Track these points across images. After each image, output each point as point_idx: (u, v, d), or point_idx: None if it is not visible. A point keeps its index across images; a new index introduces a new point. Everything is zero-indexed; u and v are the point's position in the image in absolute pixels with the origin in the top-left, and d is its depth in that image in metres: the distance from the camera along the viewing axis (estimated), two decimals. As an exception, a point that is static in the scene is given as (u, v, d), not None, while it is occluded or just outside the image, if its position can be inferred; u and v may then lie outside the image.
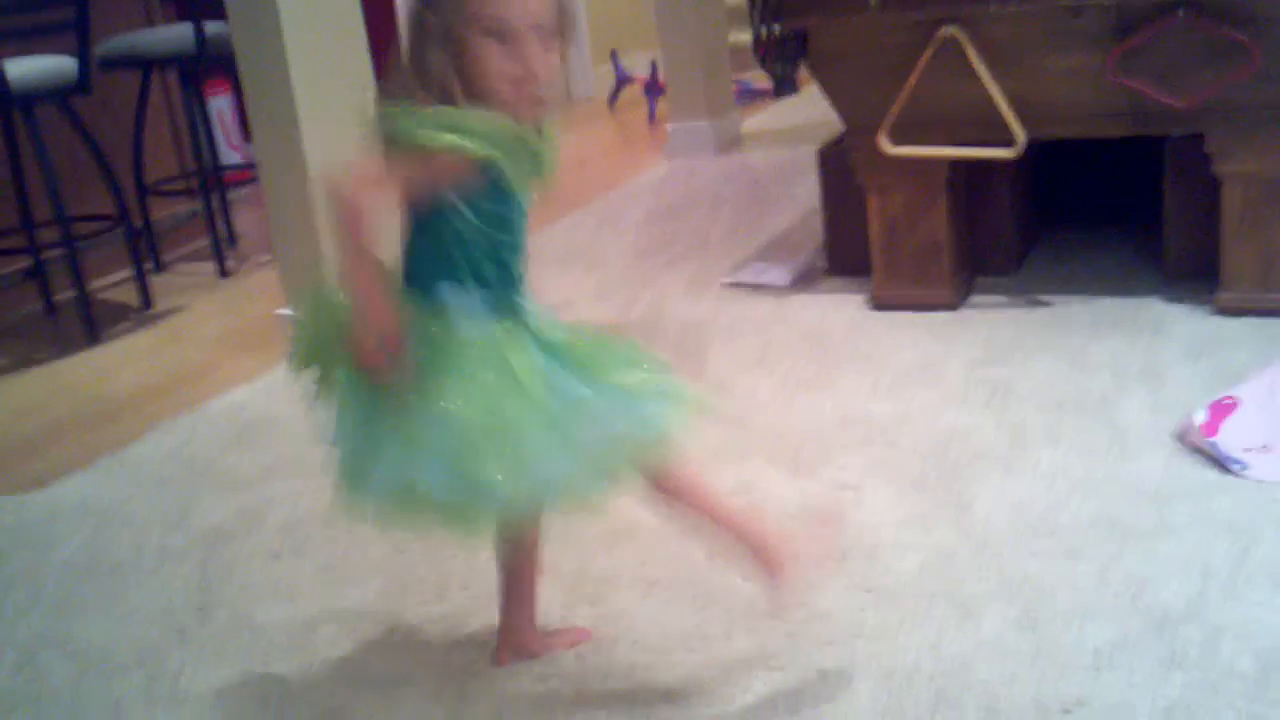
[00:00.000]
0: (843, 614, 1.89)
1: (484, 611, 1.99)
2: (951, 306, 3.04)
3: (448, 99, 1.52)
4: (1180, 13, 2.57)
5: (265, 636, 2.05)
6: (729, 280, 3.45)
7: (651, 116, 6.15)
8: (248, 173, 4.70)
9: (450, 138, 1.49)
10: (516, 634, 1.87)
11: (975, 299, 3.09)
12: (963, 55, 2.75)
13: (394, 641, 1.99)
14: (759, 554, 1.67)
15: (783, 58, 3.03)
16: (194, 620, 2.13)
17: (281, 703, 1.87)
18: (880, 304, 3.10)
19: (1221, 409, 2.26)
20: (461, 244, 1.58)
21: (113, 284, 4.12)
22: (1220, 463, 2.17)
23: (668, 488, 1.67)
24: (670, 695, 1.74)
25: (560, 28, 1.55)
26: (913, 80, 2.82)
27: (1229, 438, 2.19)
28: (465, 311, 1.57)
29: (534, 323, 1.60)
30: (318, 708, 1.84)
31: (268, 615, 2.11)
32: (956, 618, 1.84)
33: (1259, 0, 2.53)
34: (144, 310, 3.91)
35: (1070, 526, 2.05)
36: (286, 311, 3.27)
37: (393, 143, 1.52)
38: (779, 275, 3.39)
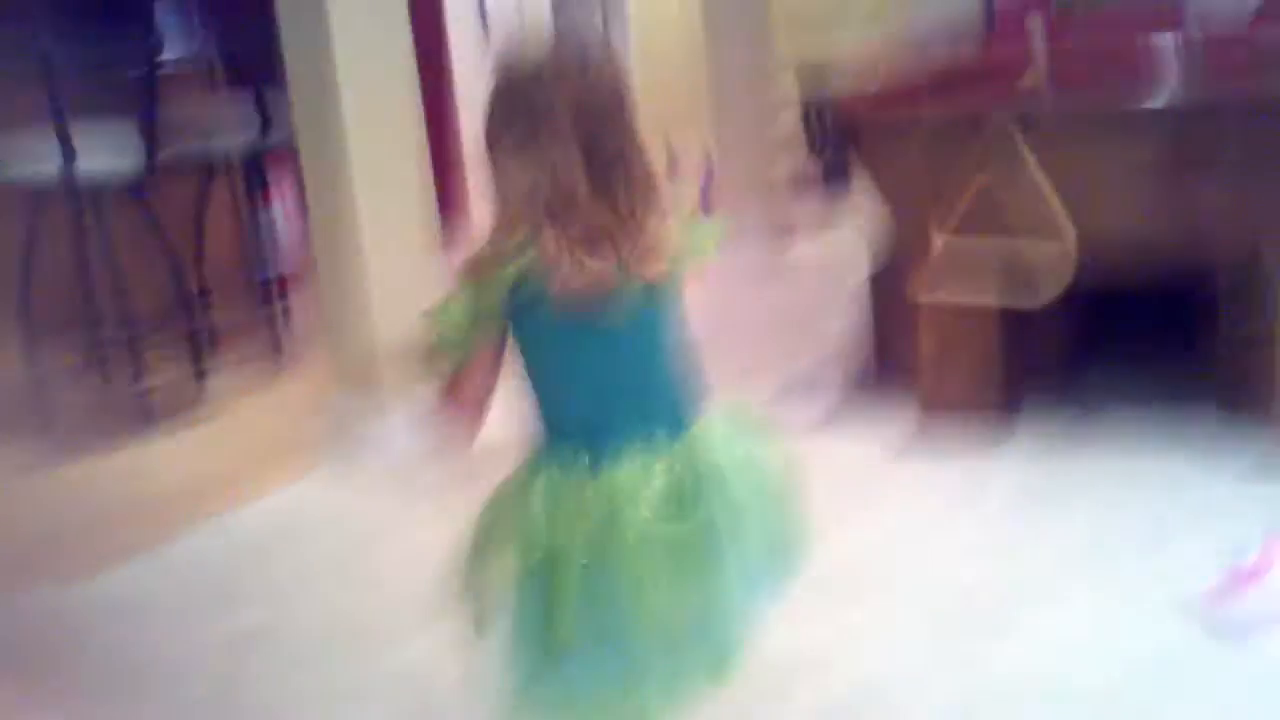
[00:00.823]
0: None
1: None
2: (1001, 416, 3.06)
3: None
4: (1234, 125, 2.57)
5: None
6: (769, 399, 3.48)
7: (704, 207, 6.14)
8: (306, 276, 4.81)
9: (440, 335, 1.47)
10: None
11: (1024, 421, 3.10)
12: (1016, 160, 2.80)
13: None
14: None
15: (833, 157, 3.09)
16: (216, 724, 2.19)
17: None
18: (928, 411, 3.12)
19: (1252, 571, 2.24)
20: (532, 393, 1.52)
21: (168, 380, 4.22)
22: (1246, 628, 2.17)
23: None
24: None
25: None
26: (964, 186, 2.88)
27: (1257, 602, 2.19)
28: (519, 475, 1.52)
29: (618, 479, 1.46)
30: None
31: (287, 725, 2.17)
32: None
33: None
34: (196, 408, 4.00)
35: (1093, 689, 2.05)
36: (332, 409, 3.36)
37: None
38: (823, 393, 3.42)
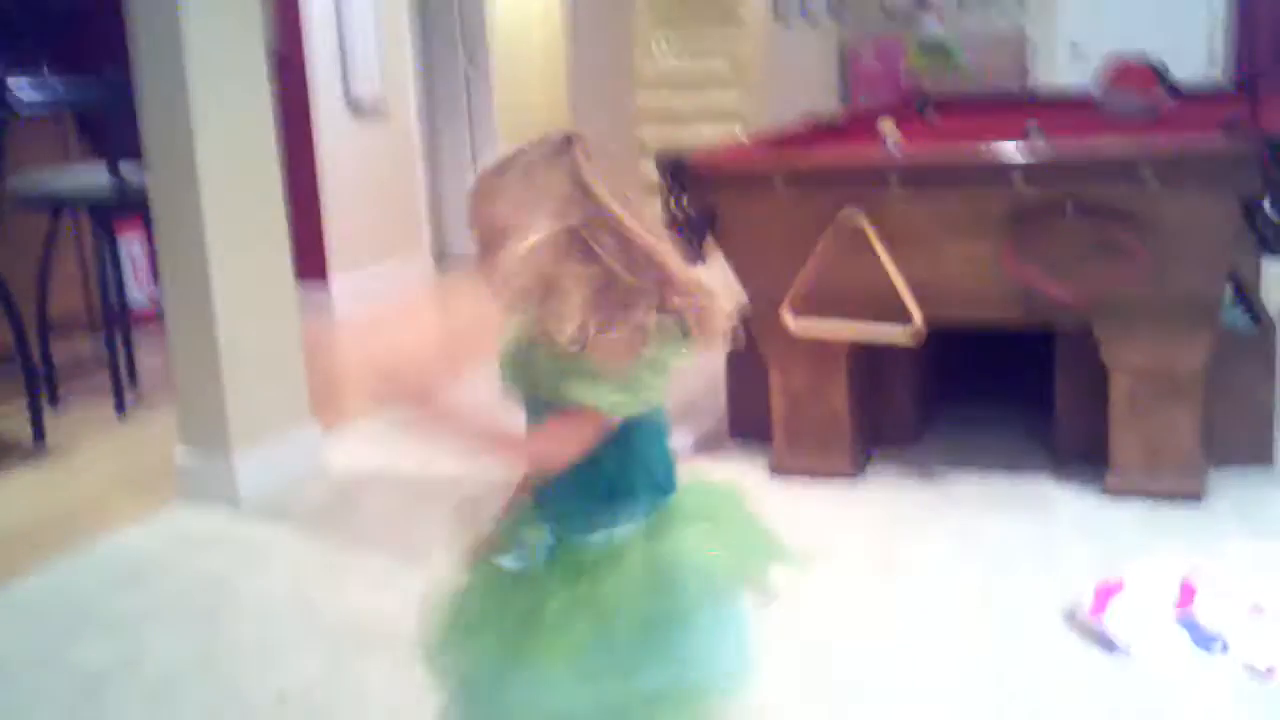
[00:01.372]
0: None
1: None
2: (850, 477, 3.09)
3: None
4: (1069, 207, 2.69)
5: (133, 788, 1.97)
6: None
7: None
8: (155, 312, 4.66)
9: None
10: None
11: (873, 470, 3.14)
12: (864, 237, 2.85)
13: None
14: None
15: (690, 231, 3.10)
16: (59, 768, 2.05)
17: None
18: (780, 472, 3.14)
19: (1107, 590, 2.31)
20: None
21: (5, 417, 4.03)
22: (1106, 643, 2.21)
23: None
24: None
25: None
26: (815, 260, 2.91)
27: (1114, 619, 2.24)
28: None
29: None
30: None
31: (138, 765, 2.04)
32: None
33: (1144, 201, 2.67)
34: (35, 446, 3.82)
35: (961, 704, 2.06)
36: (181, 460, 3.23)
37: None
38: (681, 439, 3.42)
